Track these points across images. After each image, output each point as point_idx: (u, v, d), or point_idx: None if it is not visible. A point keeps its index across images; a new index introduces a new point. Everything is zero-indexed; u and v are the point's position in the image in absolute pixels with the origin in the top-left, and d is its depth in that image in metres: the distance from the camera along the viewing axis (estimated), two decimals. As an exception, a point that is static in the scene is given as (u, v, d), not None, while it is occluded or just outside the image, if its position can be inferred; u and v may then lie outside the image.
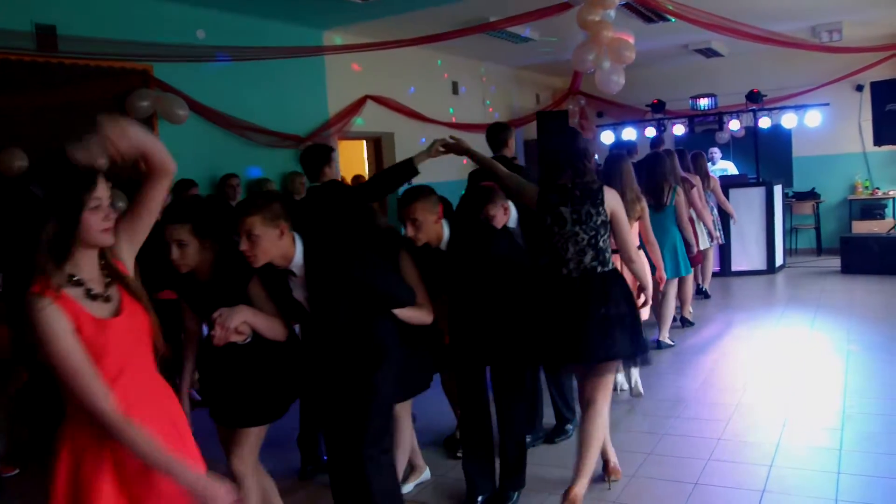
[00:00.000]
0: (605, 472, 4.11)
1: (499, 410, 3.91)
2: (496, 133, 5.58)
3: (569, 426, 4.90)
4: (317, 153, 4.68)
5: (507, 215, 4.24)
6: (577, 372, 3.92)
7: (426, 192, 3.57)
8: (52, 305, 2.01)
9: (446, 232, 3.62)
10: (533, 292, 3.77)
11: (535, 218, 3.80)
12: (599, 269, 3.65)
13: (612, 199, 3.69)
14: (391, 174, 4.30)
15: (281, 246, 2.95)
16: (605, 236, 3.68)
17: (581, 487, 3.56)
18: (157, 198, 2.28)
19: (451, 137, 4.11)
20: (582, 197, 3.65)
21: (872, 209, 11.89)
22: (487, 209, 4.11)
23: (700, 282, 8.95)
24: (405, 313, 3.41)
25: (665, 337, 6.95)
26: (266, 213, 2.89)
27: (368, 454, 3.18)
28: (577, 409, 4.18)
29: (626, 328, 3.63)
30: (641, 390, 5.53)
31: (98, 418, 2.05)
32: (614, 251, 3.82)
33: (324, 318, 3.20)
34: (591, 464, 3.66)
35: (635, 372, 5.47)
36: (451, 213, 4.04)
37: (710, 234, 8.12)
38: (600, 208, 3.64)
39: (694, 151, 8.75)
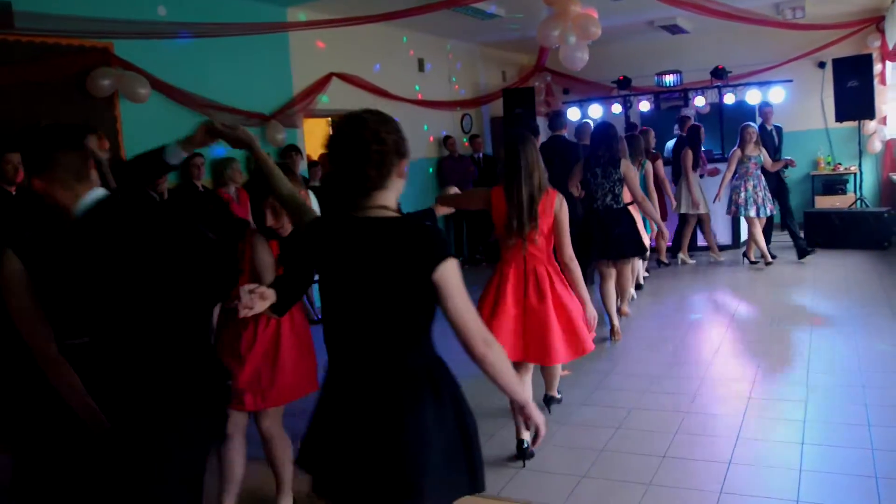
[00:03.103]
0: (610, 335, 6.35)
1: None
2: (556, 117, 8.12)
3: None
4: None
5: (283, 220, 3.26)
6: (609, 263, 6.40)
7: None
8: None
9: None
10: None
11: None
12: (614, 206, 6.17)
13: (625, 165, 6.13)
14: (137, 164, 3.10)
15: None
16: (620, 187, 6.13)
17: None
18: None
19: (223, 124, 2.85)
20: (607, 162, 6.09)
21: (834, 184, 12.06)
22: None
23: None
24: None
25: (641, 279, 8.35)
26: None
27: None
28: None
29: (630, 240, 6.26)
30: (628, 311, 7.08)
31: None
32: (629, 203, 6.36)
33: None
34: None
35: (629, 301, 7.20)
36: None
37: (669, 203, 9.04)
38: (617, 170, 6.08)
39: (641, 128, 9.49)
